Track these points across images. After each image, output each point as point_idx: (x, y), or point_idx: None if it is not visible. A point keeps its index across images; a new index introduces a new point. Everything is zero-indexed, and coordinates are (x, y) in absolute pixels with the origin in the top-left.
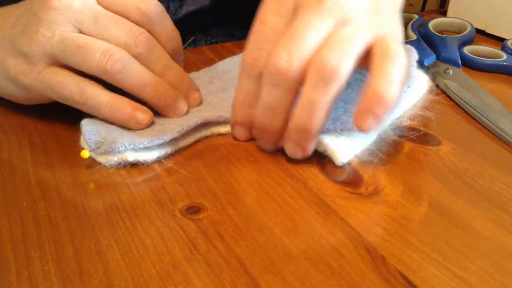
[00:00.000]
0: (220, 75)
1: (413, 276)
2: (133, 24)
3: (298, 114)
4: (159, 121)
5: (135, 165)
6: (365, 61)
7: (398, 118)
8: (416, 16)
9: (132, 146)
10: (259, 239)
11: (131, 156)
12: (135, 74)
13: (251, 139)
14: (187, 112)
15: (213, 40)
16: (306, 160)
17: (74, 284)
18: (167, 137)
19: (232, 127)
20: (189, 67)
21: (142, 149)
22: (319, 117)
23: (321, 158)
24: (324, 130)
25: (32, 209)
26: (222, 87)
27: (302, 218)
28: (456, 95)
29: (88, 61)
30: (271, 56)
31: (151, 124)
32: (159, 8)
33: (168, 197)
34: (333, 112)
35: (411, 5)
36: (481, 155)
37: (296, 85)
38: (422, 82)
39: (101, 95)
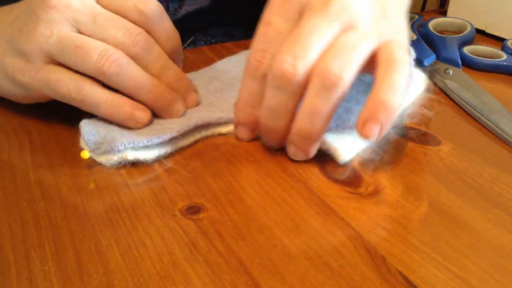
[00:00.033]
0: (219, 75)
1: (413, 276)
2: (132, 24)
3: (300, 120)
4: (158, 120)
5: (135, 165)
6: (369, 66)
7: (398, 116)
8: (416, 16)
9: (131, 145)
10: (259, 239)
11: (131, 155)
12: (132, 76)
13: (252, 139)
14: (185, 113)
15: (213, 40)
16: (306, 160)
17: (74, 284)
18: (166, 136)
19: (235, 127)
20: (189, 67)
21: (142, 148)
22: (320, 123)
23: (321, 158)
24: (326, 129)
25: (32, 209)
26: (221, 87)
27: (302, 218)
28: (456, 95)
29: (86, 62)
30: (275, 59)
31: (150, 123)
32: (158, 7)
33: (168, 197)
34: None
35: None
36: (481, 155)
37: (300, 89)
38: (419, 80)
39: (99, 93)
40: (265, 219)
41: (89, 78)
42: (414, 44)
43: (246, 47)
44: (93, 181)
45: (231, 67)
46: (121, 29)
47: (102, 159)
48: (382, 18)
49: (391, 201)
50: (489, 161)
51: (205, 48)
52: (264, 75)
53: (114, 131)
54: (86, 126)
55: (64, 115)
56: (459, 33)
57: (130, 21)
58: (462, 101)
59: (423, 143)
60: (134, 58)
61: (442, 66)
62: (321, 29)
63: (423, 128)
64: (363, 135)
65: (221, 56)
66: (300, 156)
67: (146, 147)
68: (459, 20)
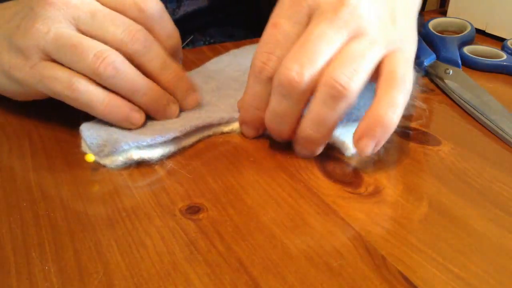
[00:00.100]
0: (213, 75)
1: (413, 276)
2: (131, 21)
3: (306, 127)
4: (159, 121)
5: (135, 165)
6: (375, 74)
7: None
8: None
9: (136, 144)
10: (259, 239)
11: (136, 154)
12: (128, 79)
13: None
14: (180, 114)
15: (212, 41)
16: (306, 160)
17: (74, 284)
18: (170, 135)
19: (240, 126)
20: (188, 67)
21: (146, 147)
22: (326, 131)
23: (321, 158)
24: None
25: (32, 209)
26: (218, 87)
27: (302, 218)
28: (456, 95)
29: (81, 61)
30: (282, 65)
31: (151, 123)
32: (159, 6)
33: (168, 197)
34: None
35: None
36: (481, 155)
37: (306, 97)
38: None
39: (95, 93)
40: (265, 219)
41: (84, 77)
42: None
43: None
44: (93, 181)
45: (223, 66)
46: (120, 26)
47: (106, 161)
48: (391, 25)
49: (391, 201)
50: (489, 161)
51: (205, 48)
52: (268, 78)
53: (115, 133)
54: (87, 130)
55: (64, 116)
56: (459, 33)
57: (130, 18)
58: (462, 101)
59: (423, 143)
60: (133, 55)
61: (442, 66)
62: (330, 37)
63: (423, 128)
64: (358, 149)
65: None
66: (307, 155)
67: (150, 146)
68: (459, 20)
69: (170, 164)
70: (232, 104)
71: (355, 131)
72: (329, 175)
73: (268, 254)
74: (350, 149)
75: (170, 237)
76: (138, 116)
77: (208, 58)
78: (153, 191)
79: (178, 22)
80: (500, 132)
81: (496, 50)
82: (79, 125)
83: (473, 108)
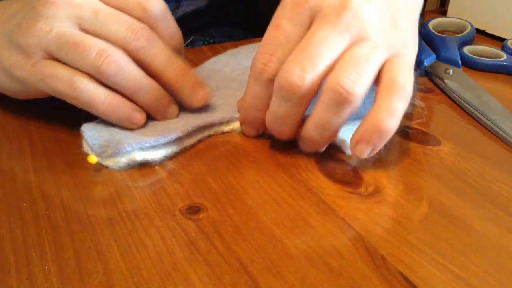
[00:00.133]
0: (211, 75)
1: (413, 276)
2: (134, 20)
3: (309, 130)
4: (160, 121)
5: (136, 166)
6: (377, 78)
7: None
8: None
9: (139, 146)
10: (259, 239)
11: (139, 156)
12: (131, 77)
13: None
14: (179, 115)
15: (211, 41)
16: (306, 160)
17: (74, 284)
18: (173, 136)
19: (241, 125)
20: None
21: (149, 148)
22: (329, 134)
23: (321, 158)
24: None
25: (32, 209)
26: (217, 87)
27: (302, 218)
28: (456, 95)
29: (83, 60)
30: (283, 69)
31: (152, 124)
32: (162, 5)
33: (168, 197)
34: None
35: None
36: (481, 155)
37: (307, 100)
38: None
39: (96, 92)
40: (265, 219)
41: (85, 75)
42: None
43: None
44: (93, 182)
45: (221, 66)
46: (123, 24)
47: (109, 162)
48: (393, 29)
49: (391, 201)
50: (489, 161)
51: (205, 48)
52: (269, 80)
53: (117, 134)
54: (89, 131)
55: (64, 116)
56: (459, 33)
57: (133, 18)
58: (462, 101)
59: (423, 143)
60: (136, 53)
61: (442, 66)
62: (332, 41)
63: (423, 128)
64: (354, 153)
65: None
66: (311, 151)
67: (153, 147)
68: (459, 20)
69: (170, 164)
70: (232, 103)
71: (353, 135)
72: (329, 175)
73: (268, 254)
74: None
75: (170, 237)
76: (139, 116)
77: (208, 58)
78: (153, 191)
79: (177, 22)
80: (500, 132)
81: (496, 50)
82: (79, 125)
83: (473, 108)
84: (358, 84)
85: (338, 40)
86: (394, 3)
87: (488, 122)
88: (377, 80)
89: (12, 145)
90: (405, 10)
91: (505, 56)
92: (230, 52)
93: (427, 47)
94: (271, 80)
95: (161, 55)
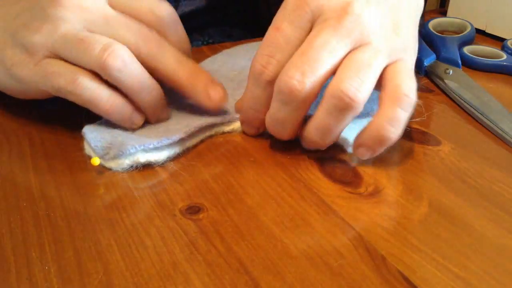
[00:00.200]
0: None
1: (413, 276)
2: (144, 26)
3: (311, 133)
4: (161, 123)
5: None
6: (378, 83)
7: None
8: None
9: (142, 147)
10: (259, 239)
11: (143, 157)
12: (135, 76)
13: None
14: (180, 116)
15: (210, 41)
16: (306, 160)
17: (74, 284)
18: (176, 137)
19: (241, 124)
20: None
21: (152, 149)
22: (330, 138)
23: (321, 158)
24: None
25: (32, 209)
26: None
27: (302, 218)
28: (456, 95)
29: (88, 55)
30: (283, 73)
31: (153, 125)
32: (173, 13)
33: (168, 197)
34: None
35: None
36: (481, 155)
37: (306, 104)
38: None
39: (100, 90)
40: (265, 219)
41: (88, 73)
42: None
43: None
44: (93, 182)
45: (218, 67)
46: (133, 30)
47: (112, 164)
48: (394, 35)
49: (391, 201)
50: (489, 161)
51: (205, 48)
52: (267, 82)
53: (120, 135)
54: (91, 133)
55: (65, 118)
56: (459, 33)
57: (144, 23)
58: (462, 101)
59: (423, 143)
60: (146, 58)
61: (442, 66)
62: (332, 45)
63: (423, 128)
64: (356, 154)
65: None
66: (314, 148)
67: (156, 148)
68: (459, 20)
69: (171, 164)
70: (231, 103)
71: (356, 138)
72: (329, 175)
73: (268, 254)
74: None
75: (170, 237)
76: (139, 117)
77: (207, 58)
78: (153, 191)
79: None
80: (500, 132)
81: (496, 50)
82: (80, 128)
83: (473, 108)
84: (361, 91)
85: (339, 45)
86: (395, 8)
87: (488, 122)
88: (377, 85)
89: (12, 147)
90: (406, 15)
91: (505, 56)
92: (226, 52)
93: (427, 47)
94: (270, 82)
95: (172, 58)
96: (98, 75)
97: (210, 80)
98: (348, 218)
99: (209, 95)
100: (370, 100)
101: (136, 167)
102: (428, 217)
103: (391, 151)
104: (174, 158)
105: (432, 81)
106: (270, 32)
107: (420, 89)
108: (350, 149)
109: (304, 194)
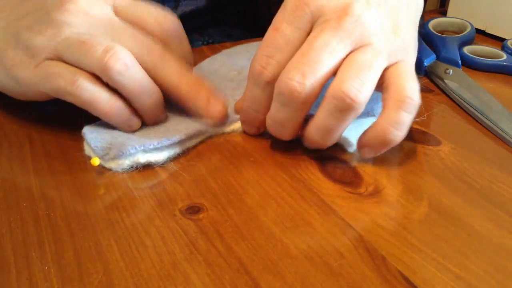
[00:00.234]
0: (207, 76)
1: (413, 276)
2: (149, 37)
3: (312, 133)
4: (161, 124)
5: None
6: (378, 84)
7: None
8: None
9: (142, 148)
10: (259, 239)
11: (143, 158)
12: (136, 79)
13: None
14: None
15: (210, 41)
16: (306, 160)
17: (74, 284)
18: (176, 138)
19: (242, 124)
20: None
21: (152, 150)
22: (332, 138)
23: (321, 158)
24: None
25: (32, 209)
26: (214, 87)
27: (302, 218)
28: (456, 95)
29: (89, 57)
30: (283, 74)
31: (153, 126)
32: (179, 26)
33: (168, 197)
34: None
35: None
36: (481, 155)
37: (307, 106)
38: None
39: (99, 92)
40: (265, 219)
41: (89, 74)
42: None
43: None
44: (93, 182)
45: (217, 67)
46: (137, 41)
47: (112, 164)
48: (393, 36)
49: (391, 201)
50: (489, 161)
51: (205, 48)
52: (267, 82)
53: (120, 136)
54: (90, 133)
55: (65, 120)
56: (459, 33)
57: (149, 34)
58: (462, 101)
59: (423, 143)
60: (149, 68)
61: (442, 66)
62: (333, 46)
63: (423, 128)
64: (359, 152)
65: None
66: (315, 148)
67: (156, 149)
68: (459, 20)
69: (171, 165)
70: (231, 103)
71: (360, 138)
72: (329, 175)
73: (268, 254)
74: (353, 145)
75: (170, 237)
76: (137, 121)
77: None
78: (153, 191)
79: None
80: (500, 132)
81: (496, 50)
82: (80, 128)
83: (473, 108)
84: (362, 91)
85: (339, 46)
86: (395, 9)
87: (488, 122)
88: (377, 86)
89: (12, 148)
90: (405, 16)
91: (505, 56)
92: (225, 52)
93: (427, 47)
94: (269, 82)
95: (174, 71)
96: (98, 78)
97: (211, 95)
98: (348, 218)
99: (209, 110)
100: (370, 100)
101: (136, 168)
102: (428, 217)
103: (391, 151)
104: (174, 158)
105: (432, 81)
106: (270, 32)
107: (420, 89)
108: (350, 149)
109: (304, 194)
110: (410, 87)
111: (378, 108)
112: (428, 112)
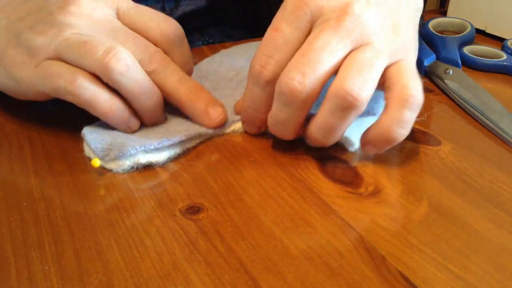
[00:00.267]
0: (206, 76)
1: (413, 276)
2: (150, 43)
3: (314, 132)
4: (161, 124)
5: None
6: (379, 83)
7: None
8: None
9: (143, 148)
10: (259, 239)
11: (143, 158)
12: (136, 80)
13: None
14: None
15: (210, 41)
16: (306, 160)
17: (74, 284)
18: (176, 139)
19: (243, 124)
20: None
21: (153, 150)
22: (334, 137)
23: (321, 158)
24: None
25: (32, 209)
26: (213, 87)
27: (302, 218)
28: (456, 95)
29: (90, 57)
30: (284, 74)
31: (153, 126)
32: (180, 32)
33: (168, 197)
34: None
35: None
36: (481, 155)
37: (307, 105)
38: None
39: (99, 92)
40: (265, 219)
41: (89, 75)
42: None
43: None
44: (93, 182)
45: (216, 67)
46: (139, 46)
47: (112, 165)
48: (393, 35)
49: (391, 201)
50: (489, 161)
51: (205, 48)
52: (266, 82)
53: (120, 137)
54: (90, 134)
55: (65, 120)
56: (459, 33)
57: (151, 40)
58: (462, 101)
59: (423, 143)
60: (150, 72)
61: (442, 66)
62: (333, 46)
63: (423, 128)
64: (362, 150)
65: None
66: (317, 146)
67: (157, 149)
68: (459, 20)
69: (171, 165)
70: (231, 104)
71: (363, 136)
72: (329, 175)
73: (268, 254)
74: (354, 144)
75: (170, 237)
76: (136, 122)
77: None
78: (153, 191)
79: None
80: (500, 132)
81: (496, 50)
82: (80, 129)
83: (473, 108)
84: (364, 90)
85: (339, 46)
86: (395, 9)
87: (488, 122)
88: (379, 85)
89: (12, 149)
90: (406, 15)
91: (505, 56)
92: (224, 52)
93: (427, 47)
94: (269, 82)
95: (174, 76)
96: (98, 78)
97: (211, 100)
98: (348, 218)
99: (209, 114)
100: (370, 99)
101: (137, 168)
102: (428, 217)
103: (391, 151)
104: (174, 159)
105: (432, 81)
106: (269, 32)
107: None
108: (351, 148)
109: (304, 194)
110: (414, 86)
111: (379, 107)
112: (428, 112)
